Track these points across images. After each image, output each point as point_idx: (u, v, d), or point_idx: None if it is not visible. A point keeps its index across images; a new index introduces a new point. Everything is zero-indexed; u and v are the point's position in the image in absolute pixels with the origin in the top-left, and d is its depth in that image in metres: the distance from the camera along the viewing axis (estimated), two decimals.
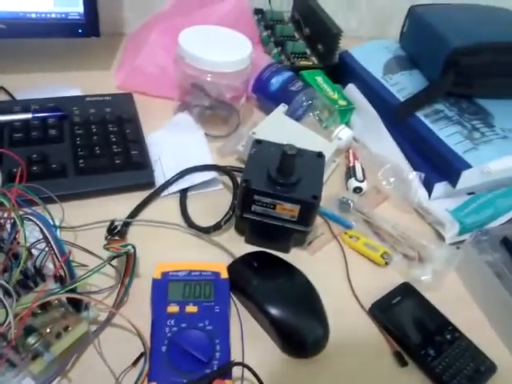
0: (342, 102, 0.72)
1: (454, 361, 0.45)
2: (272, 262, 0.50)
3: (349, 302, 0.50)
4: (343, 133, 0.67)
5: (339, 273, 0.53)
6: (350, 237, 0.56)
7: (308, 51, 0.84)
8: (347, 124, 0.71)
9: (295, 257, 0.53)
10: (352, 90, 0.75)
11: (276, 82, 0.72)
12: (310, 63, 0.81)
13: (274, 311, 0.44)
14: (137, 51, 0.72)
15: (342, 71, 0.79)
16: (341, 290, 0.51)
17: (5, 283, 0.39)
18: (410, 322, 0.48)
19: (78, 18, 0.67)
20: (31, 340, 0.40)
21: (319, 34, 0.82)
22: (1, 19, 0.64)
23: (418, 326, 0.48)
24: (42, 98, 0.64)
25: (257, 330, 0.46)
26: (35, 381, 0.40)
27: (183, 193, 0.58)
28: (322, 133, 0.65)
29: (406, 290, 0.51)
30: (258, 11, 0.91)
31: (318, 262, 0.54)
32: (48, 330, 0.41)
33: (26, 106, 0.62)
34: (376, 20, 0.99)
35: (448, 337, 0.47)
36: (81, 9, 0.66)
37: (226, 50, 0.63)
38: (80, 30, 0.68)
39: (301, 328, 0.45)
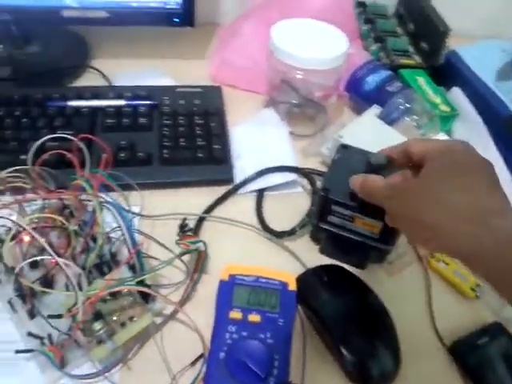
0: (445, 108, 0.65)
1: None
2: (345, 279, 0.47)
3: (427, 335, 0.46)
4: None
5: (420, 300, 0.48)
6: (438, 261, 0.50)
7: (410, 49, 0.77)
8: (448, 132, 0.65)
9: (372, 275, 0.49)
10: (457, 94, 0.68)
11: (372, 80, 0.67)
12: (412, 62, 0.75)
13: (341, 333, 0.41)
14: (230, 43, 0.72)
15: (448, 73, 0.72)
16: (419, 320, 0.47)
17: (79, 268, 0.41)
18: (496, 369, 0.42)
19: (175, 7, 0.67)
20: (97, 326, 0.41)
21: (424, 30, 0.75)
22: (106, 8, 0.66)
23: (506, 374, 0.42)
24: (136, 85, 0.66)
25: (321, 349, 0.44)
26: (97, 365, 0.41)
27: (260, 192, 0.57)
28: None
29: (497, 331, 0.45)
30: (360, 4, 0.86)
31: (397, 284, 0.50)
32: (114, 318, 0.42)
33: (120, 93, 0.64)
34: (492, 17, 0.88)
35: None
36: None
37: (319, 46, 0.60)
38: (176, 20, 0.68)
39: (369, 357, 0.41)
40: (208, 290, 0.46)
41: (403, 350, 0.42)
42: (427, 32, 0.74)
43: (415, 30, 0.78)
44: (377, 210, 0.40)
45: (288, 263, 0.50)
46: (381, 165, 0.43)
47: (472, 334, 0.44)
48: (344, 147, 0.51)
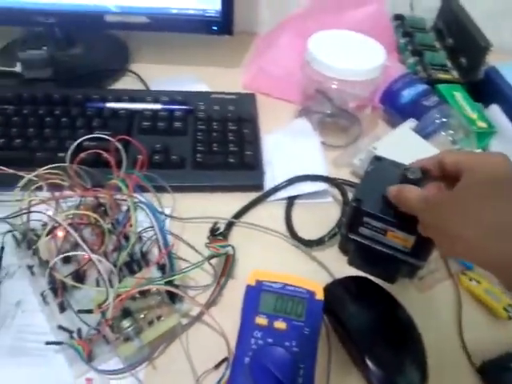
0: (482, 124, 0.64)
1: None
2: (374, 292, 0.46)
3: (455, 353, 0.45)
4: None
5: (450, 318, 0.47)
6: (470, 279, 0.49)
7: (448, 63, 0.76)
8: (484, 149, 0.64)
9: (401, 290, 0.48)
10: (495, 111, 0.66)
11: (408, 94, 0.67)
12: (450, 77, 0.74)
13: (367, 346, 0.41)
14: (266, 52, 0.72)
15: (486, 89, 0.71)
16: (448, 338, 0.46)
17: (111, 265, 0.42)
18: None
19: (214, 15, 0.69)
20: (126, 323, 0.41)
21: (464, 45, 0.74)
22: (146, 14, 0.68)
23: None
24: (172, 90, 0.67)
25: (346, 361, 0.43)
26: (123, 362, 0.41)
27: (290, 200, 0.57)
28: None
29: None
30: (397, 17, 0.85)
31: (427, 300, 0.49)
32: (142, 316, 0.43)
33: (157, 97, 0.65)
34: None
35: None
36: (218, 6, 0.68)
37: (356, 57, 0.60)
38: (214, 28, 0.70)
39: (395, 371, 0.40)
40: (234, 294, 0.46)
41: (430, 367, 0.41)
42: (467, 47, 0.73)
43: (454, 45, 0.77)
44: (410, 223, 0.39)
45: (315, 272, 0.50)
46: (416, 178, 0.42)
47: (504, 356, 0.43)
48: (378, 159, 0.50)
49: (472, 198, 0.32)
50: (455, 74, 0.74)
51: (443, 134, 0.60)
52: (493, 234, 0.31)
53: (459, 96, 0.68)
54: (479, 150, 0.60)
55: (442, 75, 0.74)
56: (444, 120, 0.61)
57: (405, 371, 0.41)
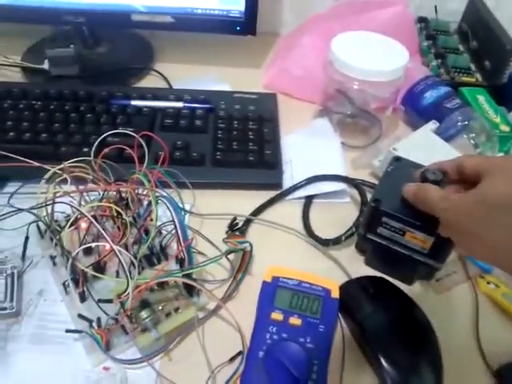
0: (505, 128, 0.63)
1: None
2: (390, 292, 0.46)
3: (472, 357, 0.44)
4: None
5: (467, 320, 0.47)
6: (488, 283, 0.49)
7: (472, 66, 0.76)
8: (507, 153, 0.63)
9: (418, 291, 0.48)
10: None
11: (430, 96, 0.66)
12: (473, 80, 0.73)
13: (383, 346, 0.41)
14: (288, 52, 0.73)
15: (510, 93, 0.70)
16: (465, 340, 0.45)
17: (132, 257, 0.43)
18: None
19: (238, 15, 0.69)
20: (144, 314, 0.42)
21: (489, 48, 0.73)
22: (171, 13, 0.70)
23: None
24: (195, 89, 0.69)
25: (360, 360, 0.43)
26: (140, 352, 0.42)
27: (308, 199, 0.57)
28: None
29: None
30: (421, 19, 0.85)
31: (443, 302, 0.48)
32: (160, 308, 0.44)
33: (179, 96, 0.67)
34: None
35: None
36: (242, 7, 0.69)
37: (378, 58, 0.60)
38: (238, 28, 0.70)
39: (410, 372, 0.40)
40: (250, 289, 0.46)
41: (446, 369, 0.41)
42: (492, 49, 0.72)
43: (478, 47, 0.76)
44: (429, 224, 0.39)
45: (331, 271, 0.50)
46: (437, 180, 0.42)
47: None
48: (397, 159, 0.50)
49: (493, 200, 0.32)
50: (478, 77, 0.74)
51: (465, 136, 0.60)
52: None
53: (482, 99, 0.67)
54: (501, 154, 0.60)
55: (465, 78, 0.73)
56: (466, 123, 0.61)
57: (420, 372, 0.40)
